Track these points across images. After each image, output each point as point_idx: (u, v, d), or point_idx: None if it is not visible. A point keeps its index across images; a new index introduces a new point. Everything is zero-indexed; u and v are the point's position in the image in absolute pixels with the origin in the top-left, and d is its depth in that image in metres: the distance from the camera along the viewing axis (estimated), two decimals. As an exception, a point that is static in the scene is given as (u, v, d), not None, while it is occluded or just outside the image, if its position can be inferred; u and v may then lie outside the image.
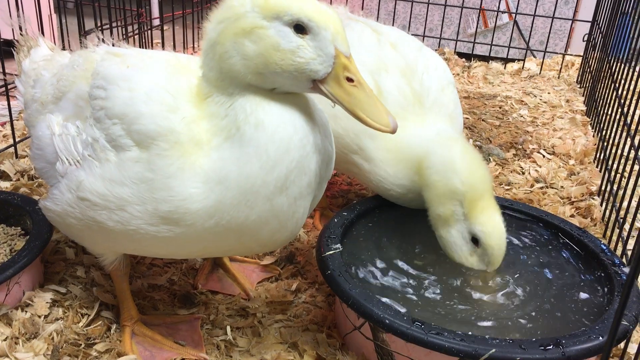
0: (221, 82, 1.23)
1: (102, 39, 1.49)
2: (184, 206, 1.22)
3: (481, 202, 1.57)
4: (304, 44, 1.16)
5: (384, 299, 1.41)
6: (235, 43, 1.18)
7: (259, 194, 1.21)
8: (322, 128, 1.29)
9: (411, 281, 1.55)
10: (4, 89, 2.31)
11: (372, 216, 1.80)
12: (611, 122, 2.51)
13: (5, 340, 1.46)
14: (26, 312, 1.57)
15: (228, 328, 1.59)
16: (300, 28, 1.16)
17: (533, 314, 1.44)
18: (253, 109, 1.20)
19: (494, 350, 1.23)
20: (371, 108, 1.18)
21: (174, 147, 1.21)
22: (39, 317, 1.56)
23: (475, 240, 1.57)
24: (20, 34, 1.74)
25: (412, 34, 2.40)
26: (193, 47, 3.84)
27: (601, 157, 2.58)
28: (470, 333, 1.29)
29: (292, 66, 1.16)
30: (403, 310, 1.40)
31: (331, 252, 1.53)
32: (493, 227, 1.55)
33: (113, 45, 1.49)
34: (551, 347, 1.24)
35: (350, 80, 1.19)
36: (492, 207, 1.58)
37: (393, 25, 4.35)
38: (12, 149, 2.40)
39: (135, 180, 1.23)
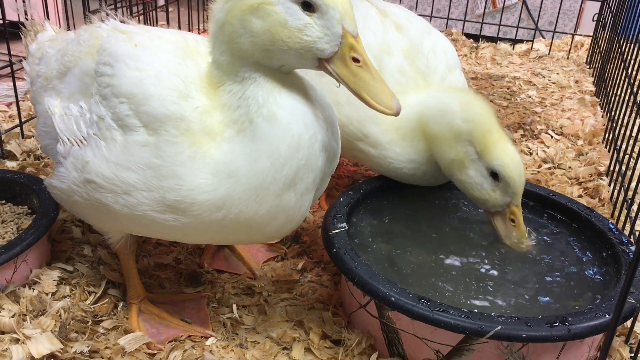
0: (232, 66, 1.22)
1: (107, 13, 1.47)
2: (191, 196, 1.21)
3: (490, 136, 1.58)
4: (311, 22, 1.14)
5: (390, 277, 1.41)
6: (242, 20, 1.17)
7: (269, 190, 1.21)
8: (329, 125, 1.29)
9: (417, 259, 1.54)
10: (9, 70, 2.31)
11: (378, 195, 1.79)
12: (620, 103, 2.48)
13: (13, 317, 1.47)
14: (33, 289, 1.58)
15: (234, 306, 1.59)
16: (307, 5, 1.14)
17: (540, 291, 1.44)
18: (265, 99, 1.20)
19: (499, 327, 1.22)
20: (375, 90, 1.17)
21: (184, 134, 1.21)
22: (47, 294, 1.57)
23: (494, 175, 1.58)
24: (26, 19, 1.74)
25: (419, 15, 2.35)
26: (198, 28, 3.82)
27: (610, 138, 2.56)
28: (475, 310, 1.29)
29: (298, 44, 1.15)
30: (408, 287, 1.40)
31: (337, 230, 1.52)
32: (510, 159, 1.56)
33: (121, 21, 1.48)
34: (557, 324, 1.23)
35: (356, 60, 1.17)
36: (503, 139, 1.59)
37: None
38: (18, 129, 2.41)
39: (142, 165, 1.22)
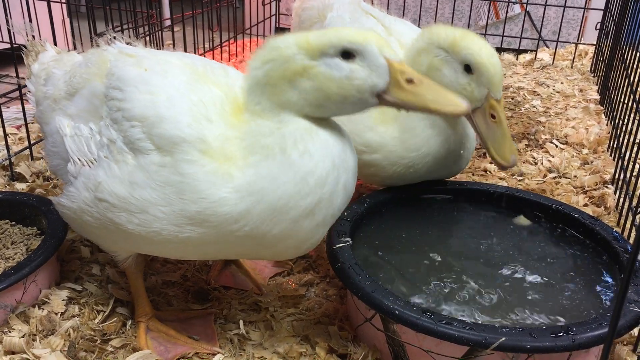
0: (272, 113, 1.27)
1: (115, 37, 1.51)
2: (212, 208, 1.24)
3: (457, 33, 1.58)
4: (355, 67, 1.22)
5: (394, 290, 1.42)
6: (292, 82, 1.24)
7: (288, 214, 1.26)
8: (352, 167, 1.33)
9: (421, 272, 1.55)
10: (18, 92, 2.35)
11: (382, 209, 1.80)
12: (625, 110, 2.48)
13: (22, 337, 1.49)
14: (43, 309, 1.60)
15: (241, 322, 1.60)
16: (347, 54, 1.22)
17: (544, 302, 1.44)
18: (302, 137, 1.25)
19: (504, 338, 1.23)
20: (440, 98, 1.21)
21: (204, 153, 1.24)
22: (56, 314, 1.59)
23: (467, 68, 1.57)
24: (28, 40, 1.77)
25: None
26: (204, 47, 3.87)
27: (615, 146, 2.56)
28: (480, 322, 1.29)
29: (352, 89, 1.22)
30: (413, 300, 1.41)
31: (341, 245, 1.53)
32: (478, 47, 1.56)
33: (127, 44, 1.51)
34: (561, 334, 1.23)
35: (410, 81, 1.22)
36: (470, 34, 1.59)
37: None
38: (27, 151, 2.44)
39: (161, 183, 1.25)
